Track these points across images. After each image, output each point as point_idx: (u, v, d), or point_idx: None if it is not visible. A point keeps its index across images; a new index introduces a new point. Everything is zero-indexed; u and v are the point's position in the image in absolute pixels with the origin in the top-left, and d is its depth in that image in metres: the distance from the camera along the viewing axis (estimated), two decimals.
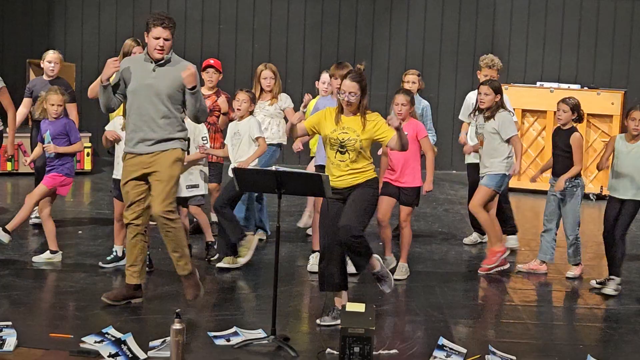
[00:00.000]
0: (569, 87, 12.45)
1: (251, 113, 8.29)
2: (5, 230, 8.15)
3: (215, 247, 8.59)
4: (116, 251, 8.17)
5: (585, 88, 12.49)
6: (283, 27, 13.96)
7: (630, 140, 7.88)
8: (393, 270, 8.13)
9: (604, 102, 12.11)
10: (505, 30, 13.99)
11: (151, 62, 6.86)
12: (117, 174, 8.02)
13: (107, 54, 13.20)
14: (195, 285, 6.98)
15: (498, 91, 8.27)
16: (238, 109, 8.18)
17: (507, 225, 9.29)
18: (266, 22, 13.95)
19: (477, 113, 8.48)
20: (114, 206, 8.30)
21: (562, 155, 8.24)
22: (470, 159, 9.17)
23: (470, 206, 8.41)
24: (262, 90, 9.06)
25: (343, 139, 6.63)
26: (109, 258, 8.17)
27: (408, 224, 8.19)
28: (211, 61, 9.17)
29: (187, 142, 7.03)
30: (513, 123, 8.40)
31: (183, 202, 8.36)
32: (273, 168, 6.43)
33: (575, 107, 8.21)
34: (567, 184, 8.19)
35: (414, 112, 8.27)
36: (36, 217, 9.14)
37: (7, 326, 6.25)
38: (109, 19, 13.82)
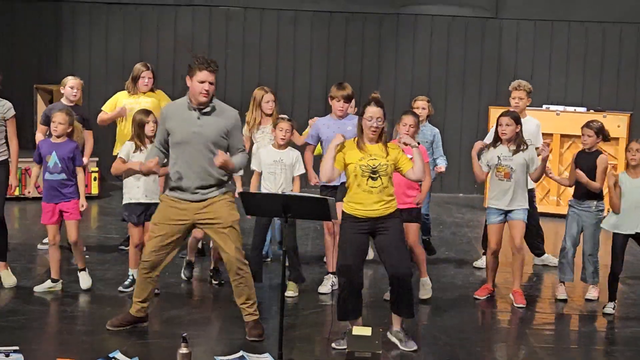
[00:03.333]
0: (575, 110, 12.45)
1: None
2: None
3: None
4: (132, 275, 8.10)
5: (592, 111, 12.48)
6: (289, 51, 14.01)
7: (632, 175, 7.90)
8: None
9: (610, 124, 12.04)
10: (512, 54, 14.01)
11: (194, 110, 6.76)
12: (129, 197, 8.04)
13: (115, 78, 13.20)
14: (258, 326, 6.97)
15: (518, 121, 8.19)
16: (282, 139, 8.22)
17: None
18: (273, 46, 14.00)
19: (495, 146, 8.28)
20: (128, 230, 8.33)
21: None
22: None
23: (516, 245, 8.14)
24: (261, 114, 8.99)
25: (374, 165, 6.63)
26: (126, 283, 8.14)
27: (418, 244, 8.17)
28: None
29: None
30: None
31: None
32: (280, 192, 6.44)
33: (600, 130, 8.18)
34: (594, 207, 8.18)
35: (418, 135, 8.27)
36: (44, 244, 9.17)
37: (15, 351, 6.27)
38: (117, 43, 13.89)
